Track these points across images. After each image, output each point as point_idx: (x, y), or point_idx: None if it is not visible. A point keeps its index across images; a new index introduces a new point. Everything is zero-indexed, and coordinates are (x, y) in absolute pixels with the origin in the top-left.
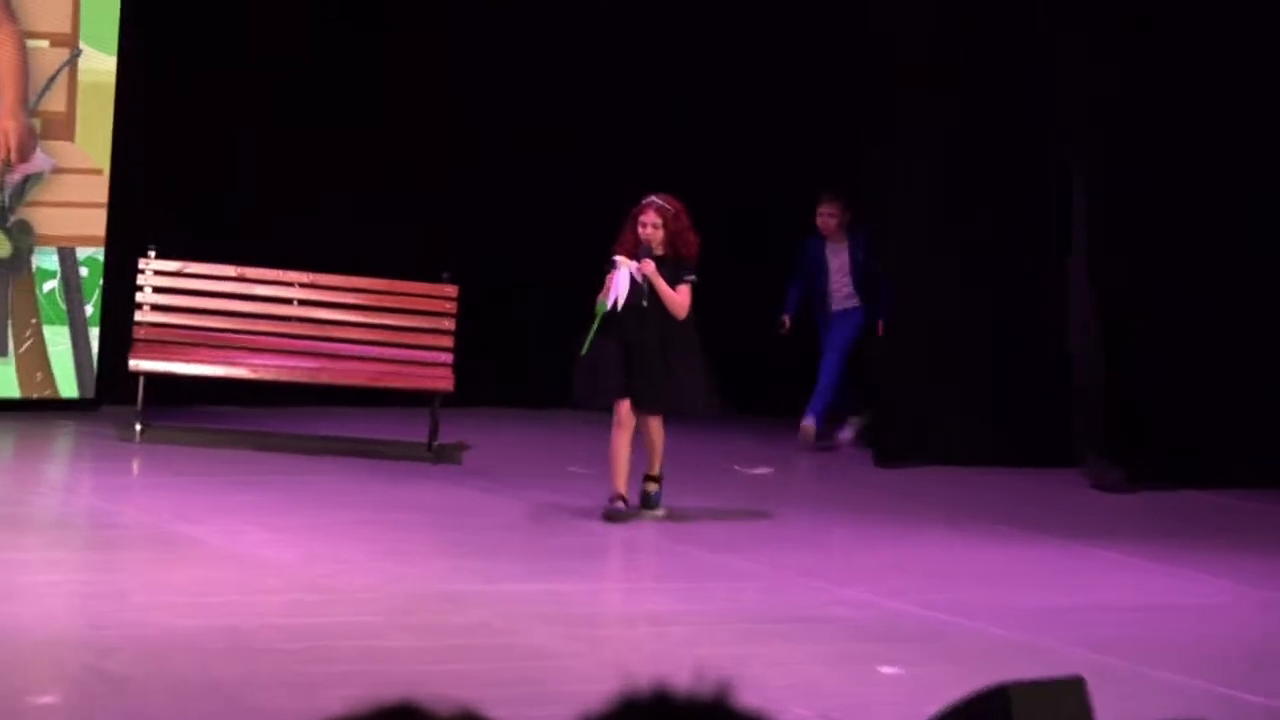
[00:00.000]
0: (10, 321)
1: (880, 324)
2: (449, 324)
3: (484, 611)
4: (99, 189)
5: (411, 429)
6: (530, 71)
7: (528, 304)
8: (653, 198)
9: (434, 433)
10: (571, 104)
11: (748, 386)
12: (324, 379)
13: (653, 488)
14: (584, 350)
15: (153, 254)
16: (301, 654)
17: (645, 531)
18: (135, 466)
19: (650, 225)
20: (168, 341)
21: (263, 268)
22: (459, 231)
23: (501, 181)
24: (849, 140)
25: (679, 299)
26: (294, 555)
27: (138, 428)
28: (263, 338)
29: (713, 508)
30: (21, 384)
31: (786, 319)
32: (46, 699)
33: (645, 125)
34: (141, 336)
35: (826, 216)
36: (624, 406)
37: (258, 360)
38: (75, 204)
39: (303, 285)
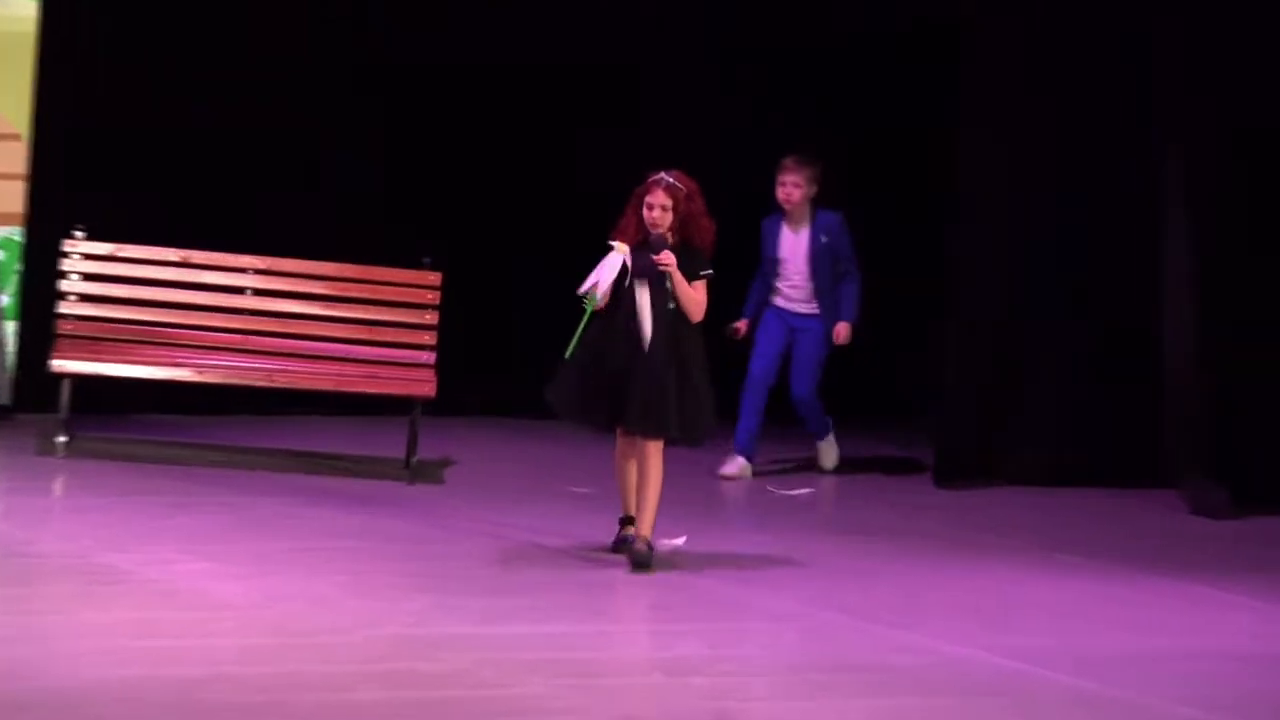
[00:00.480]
0: None
1: (841, 327)
2: (431, 318)
3: (470, 658)
4: (16, 158)
5: (386, 442)
6: (526, 25)
7: (519, 294)
8: (662, 174)
9: (412, 447)
10: (570, 66)
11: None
12: (282, 383)
13: (640, 543)
14: (568, 354)
15: (80, 235)
16: (258, 710)
17: (661, 560)
18: (57, 486)
19: (659, 207)
20: (98, 338)
21: (211, 251)
22: (440, 211)
23: (490, 154)
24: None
25: (697, 298)
26: (246, 592)
27: (61, 439)
28: (210, 334)
29: (743, 535)
30: None
31: (742, 324)
32: None
33: (678, 104)
34: (67, 331)
35: (790, 186)
36: (621, 431)
37: (204, 360)
38: None
39: (258, 272)
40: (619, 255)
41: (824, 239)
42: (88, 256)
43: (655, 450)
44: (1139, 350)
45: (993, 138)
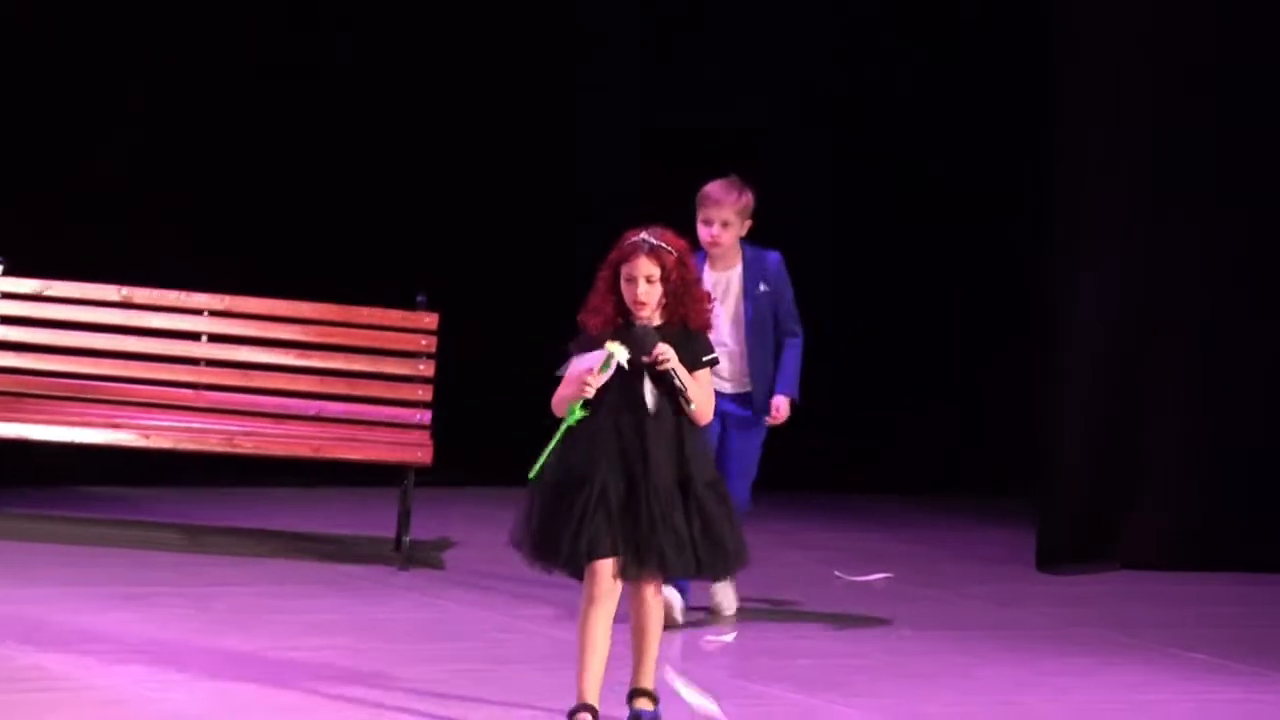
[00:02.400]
0: None
1: (780, 401)
2: (426, 368)
3: None
4: None
5: (373, 519)
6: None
7: (532, 340)
8: (643, 235)
9: (404, 524)
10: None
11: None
12: (245, 448)
13: (647, 707)
14: (532, 474)
15: None
16: None
17: (707, 661)
18: None
19: (642, 279)
20: (21, 393)
21: (158, 288)
22: (436, 240)
23: (498, 172)
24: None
25: (706, 397)
26: (199, 703)
27: None
28: (157, 389)
29: (804, 630)
30: None
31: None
32: None
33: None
34: None
35: (718, 226)
36: (604, 571)
37: (151, 421)
38: None
39: (214, 313)
40: (617, 354)
41: (762, 288)
42: (9, 295)
43: (659, 593)
44: None
45: (1104, 142)
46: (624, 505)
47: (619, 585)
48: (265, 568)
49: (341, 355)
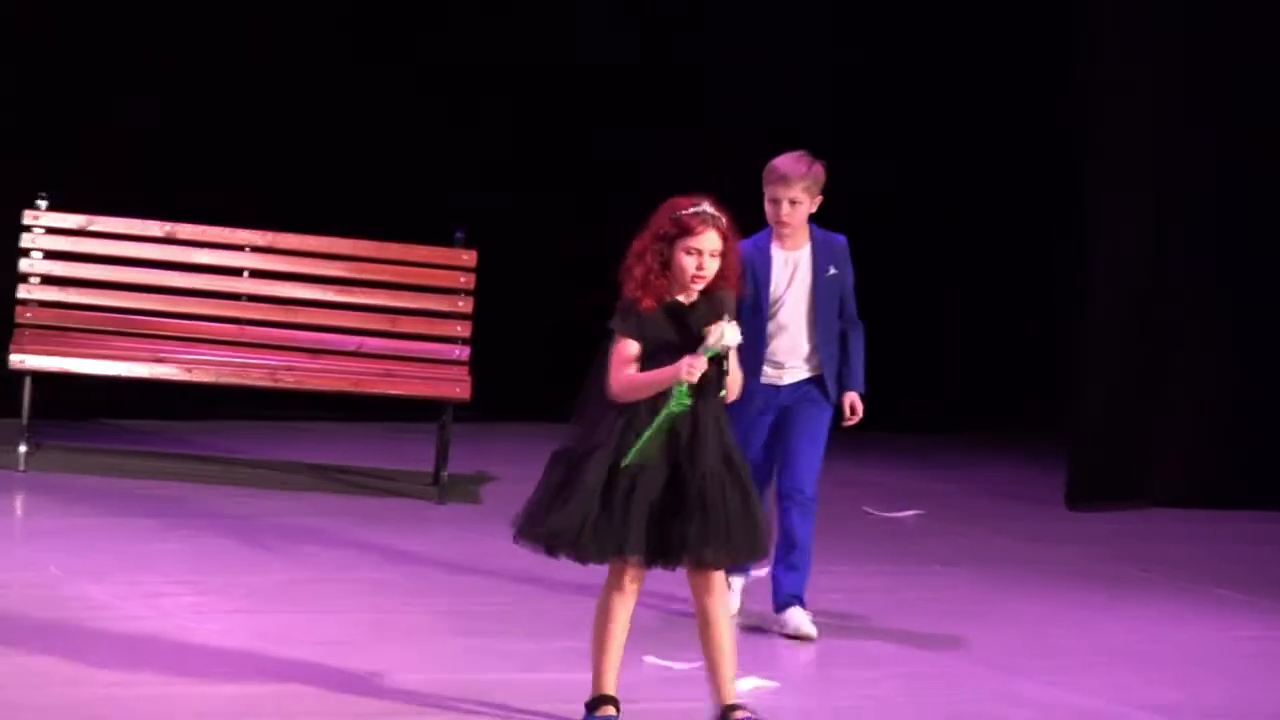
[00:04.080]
0: None
1: (854, 399)
2: (465, 305)
3: (511, 711)
4: None
5: (411, 453)
6: None
7: (571, 275)
8: (705, 207)
9: (442, 459)
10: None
11: None
12: (286, 383)
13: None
14: (626, 461)
15: (43, 205)
16: None
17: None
18: (18, 504)
19: (707, 253)
20: (65, 328)
21: (201, 225)
22: (477, 177)
23: (538, 110)
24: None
25: (738, 373)
26: (245, 632)
27: (22, 450)
28: (200, 324)
29: (833, 566)
30: None
31: None
32: None
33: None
34: (27, 321)
35: (787, 204)
36: (633, 563)
37: (193, 355)
38: None
39: (257, 249)
40: (725, 339)
41: (832, 271)
42: (53, 231)
43: (720, 583)
44: None
45: (1133, 79)
46: (670, 492)
47: (639, 579)
48: (304, 500)
49: (381, 291)
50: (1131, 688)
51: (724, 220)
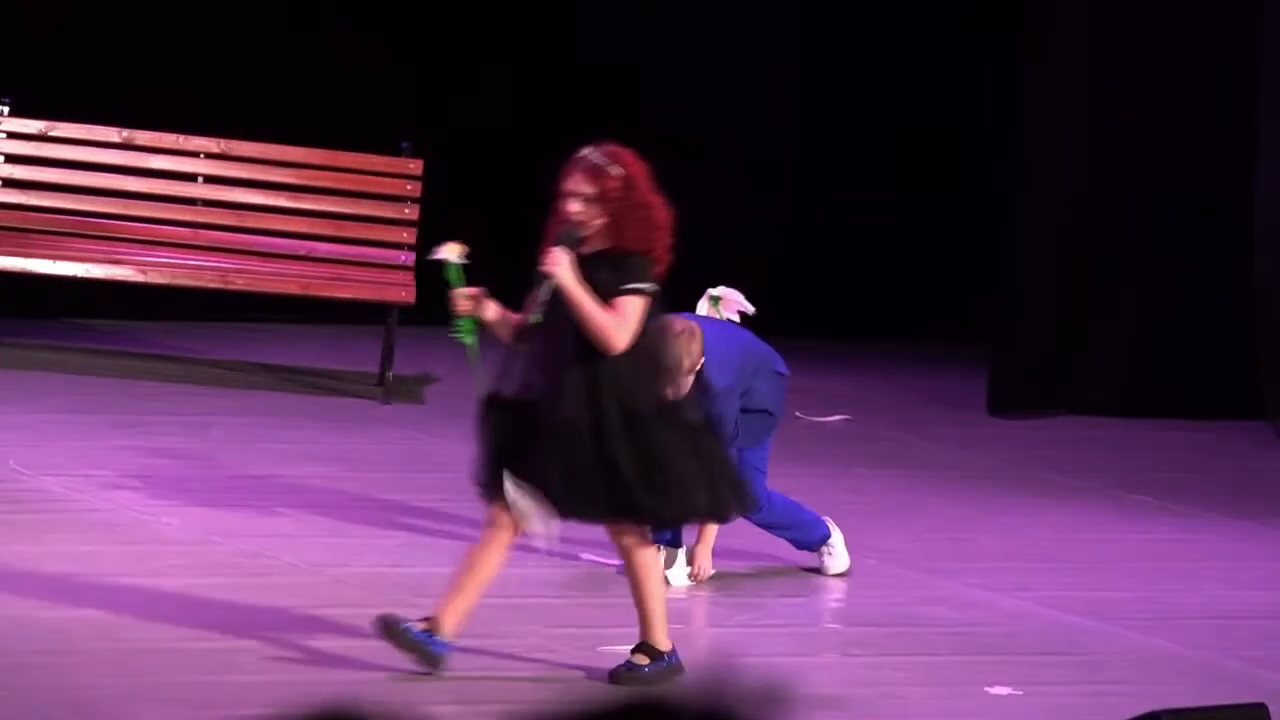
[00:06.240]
0: None
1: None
2: (411, 212)
3: None
4: None
5: (357, 354)
6: None
7: (516, 184)
8: (589, 151)
9: (387, 360)
10: None
11: (790, 300)
12: (238, 285)
13: (642, 661)
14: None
15: (4, 110)
16: (201, 659)
17: None
18: None
19: (576, 198)
20: (25, 230)
21: (158, 131)
22: (426, 88)
23: (490, 23)
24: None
25: (605, 322)
26: (193, 525)
27: None
28: (156, 227)
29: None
30: None
31: None
32: None
33: None
34: None
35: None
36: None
37: (148, 257)
38: None
39: (210, 156)
40: (449, 253)
41: None
42: (13, 135)
43: (635, 535)
44: (1230, 267)
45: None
46: (539, 429)
47: (507, 521)
48: (256, 399)
49: (331, 198)
50: (1050, 588)
51: (607, 169)
